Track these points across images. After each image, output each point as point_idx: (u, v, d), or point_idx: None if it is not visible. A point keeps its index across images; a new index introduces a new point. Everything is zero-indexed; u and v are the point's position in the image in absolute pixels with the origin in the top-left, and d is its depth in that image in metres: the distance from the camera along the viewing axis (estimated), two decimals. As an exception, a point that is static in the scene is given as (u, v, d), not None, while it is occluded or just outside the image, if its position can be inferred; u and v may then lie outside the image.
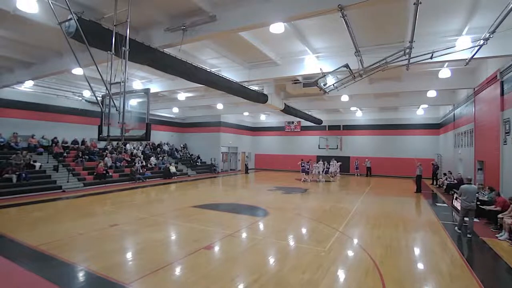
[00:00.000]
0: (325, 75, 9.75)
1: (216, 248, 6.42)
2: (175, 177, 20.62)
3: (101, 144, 19.53)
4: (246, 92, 12.78)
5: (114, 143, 20.07)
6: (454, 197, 8.89)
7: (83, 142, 18.43)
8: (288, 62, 11.30)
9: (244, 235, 7.46)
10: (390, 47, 9.07)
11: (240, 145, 29.20)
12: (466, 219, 7.60)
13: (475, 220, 8.99)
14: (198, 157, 26.39)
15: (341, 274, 5.13)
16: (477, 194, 9.96)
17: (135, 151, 21.31)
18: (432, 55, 7.67)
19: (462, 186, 7.81)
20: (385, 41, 9.19)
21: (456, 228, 8.21)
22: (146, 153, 22.23)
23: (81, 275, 4.96)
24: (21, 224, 8.13)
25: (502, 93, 9.89)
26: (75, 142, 17.98)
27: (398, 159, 23.99)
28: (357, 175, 24.85)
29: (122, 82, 6.02)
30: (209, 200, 12.25)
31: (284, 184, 18.69)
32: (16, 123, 15.57)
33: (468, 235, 7.50)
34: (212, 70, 10.93)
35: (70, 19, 5.73)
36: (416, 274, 5.22)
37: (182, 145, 27.26)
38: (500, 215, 7.82)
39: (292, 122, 29.14)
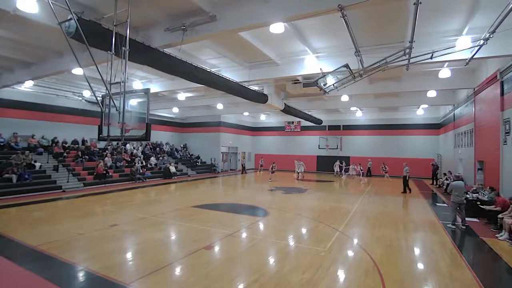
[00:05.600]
0: (325, 75, 9.75)
1: (216, 248, 6.42)
2: (175, 177, 20.62)
3: (101, 144, 19.55)
4: (246, 92, 12.77)
5: (114, 143, 20.08)
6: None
7: (83, 142, 18.44)
8: (288, 62, 11.30)
9: (244, 235, 7.46)
10: (390, 47, 9.07)
11: (240, 145, 29.20)
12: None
13: (475, 220, 9.05)
14: (198, 157, 26.40)
15: (341, 274, 5.13)
16: (477, 194, 10.06)
17: (135, 151, 21.32)
18: (432, 55, 7.67)
19: (451, 183, 8.70)
20: (385, 41, 9.19)
21: (449, 224, 8.40)
22: (146, 153, 22.24)
23: (81, 275, 4.96)
24: (21, 224, 8.12)
25: (502, 93, 9.89)
26: (75, 142, 17.99)
27: (398, 159, 23.98)
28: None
29: (122, 82, 6.02)
30: (209, 200, 12.25)
31: (284, 184, 18.69)
32: (16, 123, 15.58)
33: (463, 227, 8.17)
34: (212, 70, 10.93)
35: (70, 19, 5.74)
36: (416, 274, 5.21)
37: (182, 145, 27.27)
38: (500, 215, 7.82)
39: (292, 122, 29.15)
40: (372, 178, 23.38)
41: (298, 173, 22.06)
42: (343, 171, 24.03)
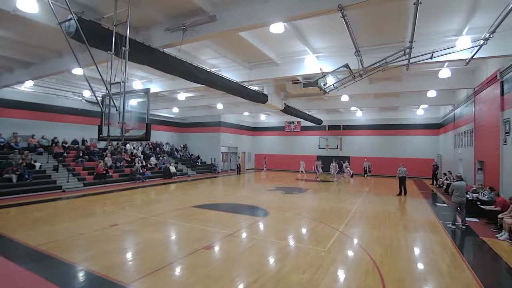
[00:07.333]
0: (325, 75, 9.76)
1: (216, 248, 6.42)
2: (175, 177, 20.62)
3: (101, 144, 19.54)
4: (246, 92, 12.77)
5: (114, 143, 20.07)
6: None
7: (83, 142, 18.44)
8: (288, 62, 11.30)
9: (244, 235, 7.46)
10: (390, 47, 9.07)
11: (240, 145, 29.19)
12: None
13: (475, 220, 9.05)
14: (198, 157, 26.39)
15: (341, 274, 5.13)
16: (477, 194, 10.06)
17: (135, 151, 21.31)
18: (432, 55, 7.68)
19: (453, 183, 8.62)
20: (385, 41, 9.18)
21: (449, 224, 8.41)
22: (146, 153, 22.23)
23: (81, 275, 4.96)
24: (21, 224, 8.12)
25: (502, 93, 9.89)
26: (75, 142, 17.99)
27: (398, 159, 23.95)
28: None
29: (122, 82, 6.02)
30: (209, 200, 12.25)
31: (284, 184, 18.70)
32: (16, 123, 15.57)
33: (463, 227, 8.18)
34: (212, 70, 10.93)
35: (70, 19, 5.74)
36: (416, 274, 5.22)
37: (182, 145, 27.26)
38: (500, 215, 7.82)
39: (292, 122, 29.15)
40: (367, 178, 23.44)
41: (317, 174, 21.37)
42: (336, 172, 22.25)
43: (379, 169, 24.62)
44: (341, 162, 24.37)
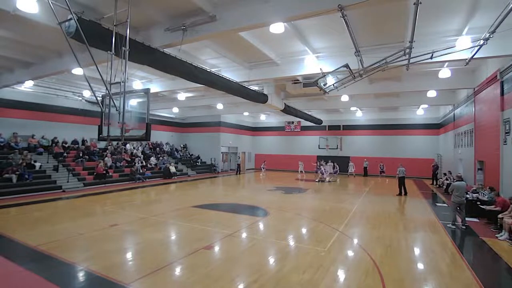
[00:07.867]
0: (325, 75, 9.76)
1: (216, 248, 6.42)
2: (175, 177, 20.62)
3: (101, 144, 19.54)
4: (246, 92, 12.77)
5: (114, 143, 20.07)
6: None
7: (83, 142, 18.44)
8: (288, 62, 11.30)
9: (244, 235, 7.46)
10: (390, 47, 9.07)
11: (240, 145, 29.19)
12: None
13: (475, 220, 9.05)
14: (198, 157, 26.39)
15: (341, 274, 5.13)
16: (477, 194, 10.06)
17: (135, 151, 21.31)
18: (432, 55, 7.68)
19: (453, 183, 8.68)
20: (385, 41, 9.18)
21: (449, 224, 8.41)
22: (146, 153, 22.23)
23: (81, 275, 4.96)
24: (21, 224, 8.12)
25: (502, 93, 9.89)
26: (75, 142, 17.99)
27: (398, 159, 23.95)
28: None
29: (122, 82, 6.02)
30: (209, 200, 12.25)
31: (284, 184, 18.69)
32: (16, 123, 15.57)
33: (463, 227, 8.19)
34: (212, 70, 10.93)
35: (70, 19, 5.74)
36: (416, 274, 5.22)
37: (182, 145, 27.26)
38: (500, 215, 7.83)
39: (292, 122, 29.16)
40: (367, 178, 23.44)
41: (322, 175, 20.55)
42: (321, 172, 20.57)
43: (378, 169, 24.59)
44: (319, 161, 22.86)
